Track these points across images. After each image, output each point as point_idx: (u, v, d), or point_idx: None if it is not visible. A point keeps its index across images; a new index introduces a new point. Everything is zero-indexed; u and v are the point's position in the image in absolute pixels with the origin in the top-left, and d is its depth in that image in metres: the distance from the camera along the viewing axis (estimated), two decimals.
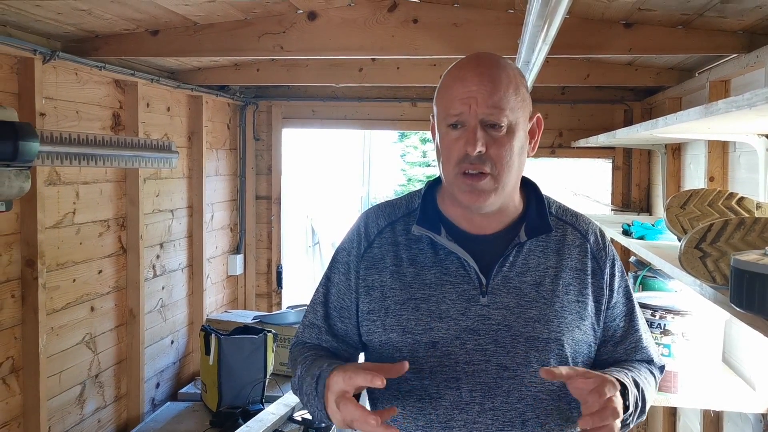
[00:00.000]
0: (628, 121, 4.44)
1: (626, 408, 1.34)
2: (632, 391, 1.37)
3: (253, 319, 4.09)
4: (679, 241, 2.27)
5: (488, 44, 2.68)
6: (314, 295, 1.59)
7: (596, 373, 1.31)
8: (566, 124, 4.50)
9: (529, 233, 1.46)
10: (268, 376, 3.52)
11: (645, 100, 4.31)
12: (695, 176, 3.41)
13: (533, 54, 2.08)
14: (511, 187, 1.44)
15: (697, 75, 3.41)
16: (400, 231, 1.50)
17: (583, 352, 1.47)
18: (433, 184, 1.55)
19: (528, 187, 1.53)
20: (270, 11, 2.78)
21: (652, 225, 2.65)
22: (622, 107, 4.42)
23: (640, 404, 1.41)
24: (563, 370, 1.29)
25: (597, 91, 4.42)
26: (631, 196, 4.43)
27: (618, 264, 1.55)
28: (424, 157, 11.45)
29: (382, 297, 1.46)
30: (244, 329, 3.69)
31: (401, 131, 11.03)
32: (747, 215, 1.85)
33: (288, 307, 4.45)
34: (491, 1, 2.65)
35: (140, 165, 3.04)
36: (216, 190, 4.61)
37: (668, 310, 2.40)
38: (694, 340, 2.41)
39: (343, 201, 9.34)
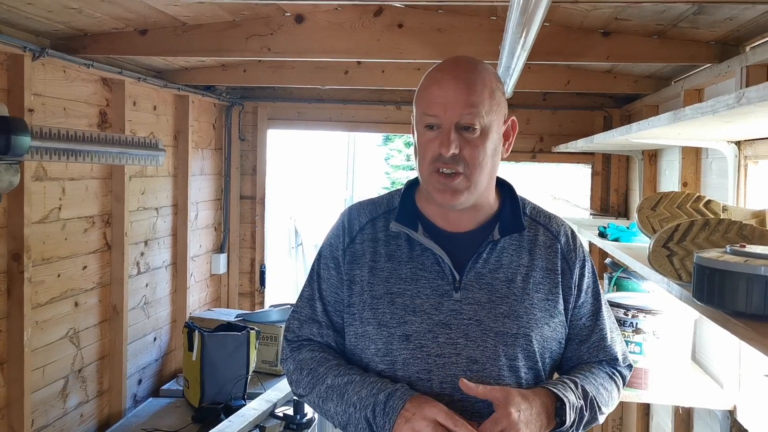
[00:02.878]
0: (608, 128, 4.53)
1: (562, 422, 1.42)
2: (573, 403, 1.43)
3: (236, 317, 4.13)
4: None
5: (471, 50, 2.75)
6: (306, 291, 1.62)
7: (506, 397, 1.37)
8: (547, 130, 4.59)
9: (502, 231, 1.52)
10: (250, 373, 3.56)
11: (624, 107, 4.40)
12: (670, 182, 3.51)
13: (513, 60, 2.16)
14: (483, 187, 1.50)
15: (673, 83, 3.50)
16: (380, 227, 1.56)
17: (552, 348, 1.53)
18: (413, 183, 1.61)
19: (504, 187, 1.60)
20: (258, 13, 2.84)
21: (627, 228, 2.73)
22: (601, 114, 4.52)
23: (587, 414, 1.47)
24: (479, 389, 1.38)
25: (578, 98, 4.51)
26: (610, 201, 4.53)
27: (588, 265, 1.61)
28: (408, 160, 11.53)
29: (361, 291, 1.52)
30: (228, 326, 3.73)
31: (386, 134, 11.11)
32: (712, 217, 1.93)
33: (270, 306, 4.50)
34: (474, 8, 2.72)
35: (128, 162, 3.08)
36: (201, 189, 4.65)
37: (640, 309, 2.48)
38: (665, 339, 2.49)
39: (326, 203, 9.39)
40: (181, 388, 3.79)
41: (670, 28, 2.54)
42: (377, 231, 1.56)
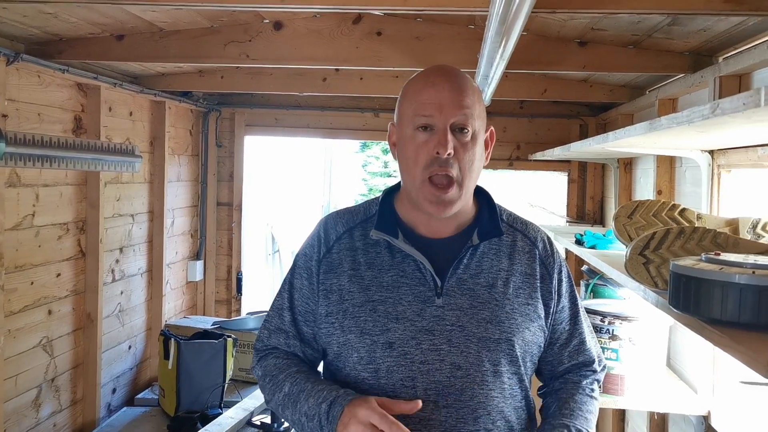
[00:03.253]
0: (584, 136, 4.58)
1: None
2: None
3: (213, 325, 4.10)
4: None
5: (449, 58, 2.77)
6: (277, 301, 1.62)
7: None
8: (524, 138, 4.63)
9: (481, 237, 1.52)
10: (227, 381, 3.53)
11: (600, 116, 4.46)
12: (645, 189, 3.56)
13: (492, 68, 2.17)
14: (470, 193, 1.51)
15: (647, 93, 3.55)
16: (357, 236, 1.56)
17: (533, 352, 1.54)
18: (391, 191, 1.62)
19: (480, 194, 1.60)
20: (236, 20, 2.83)
21: (603, 235, 2.76)
22: (577, 122, 4.57)
23: None
24: None
25: (554, 106, 4.55)
26: (585, 208, 4.57)
27: (565, 270, 1.63)
28: (386, 167, 11.55)
29: (340, 300, 1.51)
30: (204, 334, 3.70)
31: (363, 141, 11.11)
32: (687, 225, 1.96)
33: (247, 314, 4.47)
34: (453, 17, 2.74)
35: (104, 168, 3.05)
36: (177, 196, 4.61)
37: (616, 316, 2.51)
38: (641, 345, 2.52)
39: (303, 210, 9.36)
40: (156, 397, 3.75)
41: (645, 39, 2.58)
42: (355, 240, 1.56)
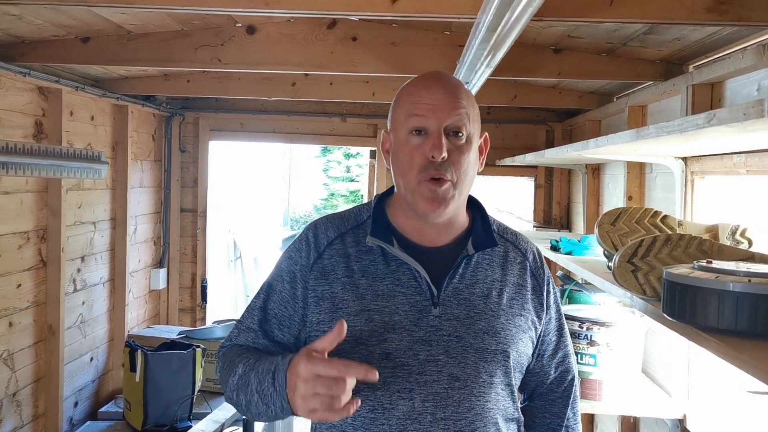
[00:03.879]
0: (550, 141, 4.63)
1: None
2: None
3: (179, 335, 4.00)
4: (606, 256, 2.39)
5: (425, 64, 2.76)
6: (253, 302, 1.57)
7: None
8: (492, 143, 4.58)
9: (476, 246, 1.51)
10: (196, 393, 3.45)
11: (566, 122, 4.50)
12: (613, 195, 3.60)
13: (474, 75, 2.17)
14: (464, 198, 1.49)
15: (615, 99, 3.60)
16: (350, 243, 1.52)
17: (522, 363, 1.54)
18: (382, 197, 1.59)
19: (473, 204, 1.59)
20: (208, 23, 2.77)
21: (578, 241, 2.78)
22: (544, 128, 4.61)
23: None
24: None
25: (521, 112, 4.58)
26: (552, 213, 4.61)
27: (552, 281, 1.63)
28: (348, 171, 11.48)
29: (333, 308, 1.47)
30: (171, 345, 3.61)
31: (331, 147, 11.04)
32: (672, 232, 1.98)
33: (214, 322, 4.38)
34: (428, 23, 2.73)
35: (68, 175, 2.94)
36: (140, 202, 4.50)
37: (594, 322, 2.52)
38: (618, 351, 2.54)
39: (264, 215, 9.25)
40: (120, 410, 3.64)
41: (620, 47, 2.61)
42: (347, 246, 1.52)
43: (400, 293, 1.45)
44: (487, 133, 1.55)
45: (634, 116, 3.16)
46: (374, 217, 1.52)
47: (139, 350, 3.38)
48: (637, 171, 3.17)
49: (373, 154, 4.92)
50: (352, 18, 2.77)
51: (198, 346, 3.50)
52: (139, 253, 4.53)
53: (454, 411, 1.41)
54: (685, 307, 1.39)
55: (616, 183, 3.57)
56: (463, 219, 1.54)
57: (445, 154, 1.39)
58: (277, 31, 2.80)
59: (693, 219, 2.47)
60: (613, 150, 2.15)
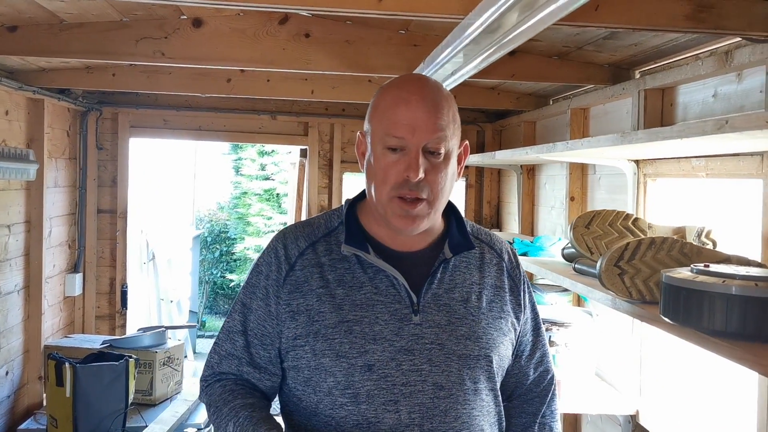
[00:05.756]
0: (481, 142, 4.68)
1: None
2: None
3: (103, 344, 3.77)
4: (564, 257, 2.43)
5: (380, 63, 2.71)
6: (228, 323, 1.51)
7: None
8: None
9: (453, 250, 1.48)
10: (129, 406, 3.25)
11: (497, 123, 4.57)
12: (551, 195, 3.68)
13: (448, 78, 2.13)
14: (440, 211, 1.46)
15: (552, 102, 3.68)
16: (322, 251, 1.46)
17: (504, 366, 1.52)
18: (353, 203, 1.53)
19: (447, 207, 1.56)
20: (152, 14, 2.60)
21: (531, 242, 2.81)
22: (475, 128, 4.65)
23: None
24: None
25: None
26: (483, 213, 4.67)
27: (527, 280, 1.62)
28: (263, 169, 11.21)
29: (310, 321, 1.41)
30: (99, 356, 3.39)
31: (240, 144, 10.72)
32: (642, 235, 2.02)
33: (139, 329, 4.15)
34: (383, 21, 2.68)
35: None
36: (54, 203, 4.20)
37: (553, 323, 2.56)
38: (575, 350, 2.58)
39: (175, 214, 8.91)
40: (43, 427, 3.39)
41: (574, 50, 2.65)
42: (320, 256, 1.46)
43: (379, 302, 1.40)
44: (467, 141, 1.51)
45: (576, 118, 3.23)
46: (347, 225, 1.46)
47: (67, 363, 3.15)
48: (579, 172, 3.25)
49: (303, 153, 4.81)
50: (304, 13, 2.68)
51: (130, 357, 3.30)
52: (54, 258, 4.23)
53: (441, 421, 1.38)
54: (691, 310, 1.41)
55: (553, 183, 3.64)
56: (438, 223, 1.50)
57: (422, 175, 1.35)
58: (226, 25, 2.66)
59: (646, 219, 2.55)
60: (593, 153, 2.17)
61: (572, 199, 3.25)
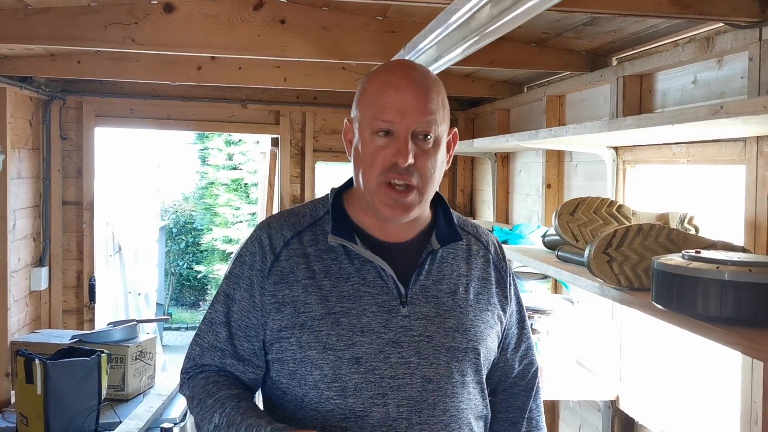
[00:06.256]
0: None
1: None
2: None
3: (72, 339, 3.66)
4: (546, 245, 2.43)
5: (357, 49, 2.67)
6: (211, 314, 1.48)
7: None
8: None
9: (441, 241, 1.47)
10: (102, 402, 3.17)
11: (469, 110, 4.55)
12: (526, 183, 3.68)
13: (431, 64, 2.10)
14: (429, 199, 1.44)
15: (526, 89, 3.67)
16: (308, 241, 1.44)
17: (490, 359, 1.52)
18: (339, 191, 1.50)
19: (434, 197, 1.53)
20: None
21: (510, 230, 2.80)
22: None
23: None
24: None
25: None
26: (456, 201, 4.65)
27: (512, 272, 1.62)
28: (230, 159, 11.04)
29: (296, 313, 1.39)
30: (69, 351, 3.29)
31: (208, 133, 10.53)
32: (627, 221, 2.03)
33: (109, 324, 4.05)
34: (361, 7, 2.63)
35: None
36: (18, 195, 4.07)
37: (535, 310, 2.56)
38: (556, 338, 2.59)
39: (140, 205, 8.75)
40: (12, 425, 3.29)
41: (553, 37, 2.64)
42: (305, 246, 1.43)
43: (367, 293, 1.38)
44: (456, 129, 1.49)
45: (552, 106, 3.22)
46: (334, 214, 1.44)
47: (36, 359, 3.06)
48: (555, 160, 3.25)
49: (275, 142, 4.74)
50: None
51: (102, 352, 3.22)
52: (18, 251, 4.10)
53: (430, 415, 1.37)
54: (684, 297, 1.41)
55: (528, 171, 3.64)
56: (426, 213, 1.49)
57: (411, 160, 1.33)
58: (199, 10, 2.59)
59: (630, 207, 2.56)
60: (581, 139, 2.16)
61: (549, 186, 3.25)
